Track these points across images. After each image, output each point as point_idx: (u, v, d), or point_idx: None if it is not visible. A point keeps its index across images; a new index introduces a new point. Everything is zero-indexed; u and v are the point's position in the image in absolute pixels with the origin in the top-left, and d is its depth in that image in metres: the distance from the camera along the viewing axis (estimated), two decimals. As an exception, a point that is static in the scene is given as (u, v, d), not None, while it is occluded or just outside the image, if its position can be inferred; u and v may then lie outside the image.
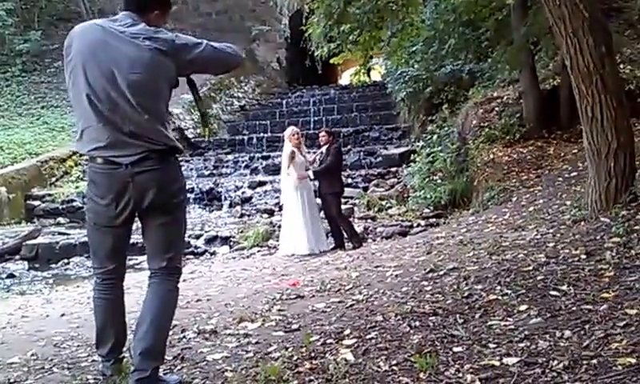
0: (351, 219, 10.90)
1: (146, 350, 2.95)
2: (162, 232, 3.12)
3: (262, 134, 18.51)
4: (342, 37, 12.84)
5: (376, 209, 12.27)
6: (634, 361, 2.67)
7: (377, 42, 13.08)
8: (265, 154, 16.68)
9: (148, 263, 3.19)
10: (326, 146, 9.45)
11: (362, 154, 15.95)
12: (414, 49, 13.75)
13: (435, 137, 13.26)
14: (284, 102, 22.02)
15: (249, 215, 13.34)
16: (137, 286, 6.88)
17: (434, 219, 10.69)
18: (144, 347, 2.95)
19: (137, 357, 2.96)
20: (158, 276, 3.14)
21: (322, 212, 9.66)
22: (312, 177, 9.39)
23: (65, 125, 18.54)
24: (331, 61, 14.49)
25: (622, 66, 9.39)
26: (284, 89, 25.00)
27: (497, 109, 12.38)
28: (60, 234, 12.94)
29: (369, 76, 25.45)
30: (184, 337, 4.12)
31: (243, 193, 14.51)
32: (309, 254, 8.64)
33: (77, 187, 15.51)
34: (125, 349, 3.37)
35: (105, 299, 3.25)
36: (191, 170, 16.42)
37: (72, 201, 14.98)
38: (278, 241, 9.86)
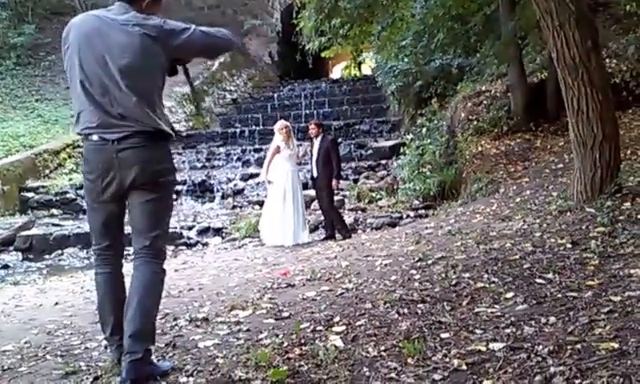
0: (341, 211, 10.97)
1: (135, 333, 3.02)
2: (146, 210, 3.18)
3: (253, 127, 18.56)
4: (332, 31, 12.90)
5: (366, 200, 12.36)
6: (616, 346, 2.74)
7: (367, 36, 13.16)
8: (257, 146, 16.73)
9: (132, 244, 3.24)
10: (319, 138, 9.50)
11: (352, 146, 16.03)
12: (404, 43, 13.80)
13: (425, 130, 13.35)
14: (276, 95, 22.05)
15: (241, 207, 13.44)
16: (129, 276, 6.95)
17: (423, 210, 10.78)
18: (133, 330, 3.02)
19: (127, 339, 3.01)
20: (142, 257, 3.21)
21: (318, 203, 9.84)
22: (314, 175, 9.57)
23: (59, 117, 18.51)
24: (322, 54, 14.55)
25: (607, 60, 9.49)
26: (276, 82, 25.02)
27: (485, 102, 12.46)
28: (54, 225, 13.01)
29: (360, 70, 25.60)
30: (176, 325, 4.17)
31: (235, 185, 14.60)
32: (281, 245, 8.83)
33: (70, 179, 15.52)
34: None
35: (101, 274, 3.35)
36: (184, 162, 16.51)
37: (66, 193, 15.01)
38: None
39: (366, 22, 11.99)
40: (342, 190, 10.39)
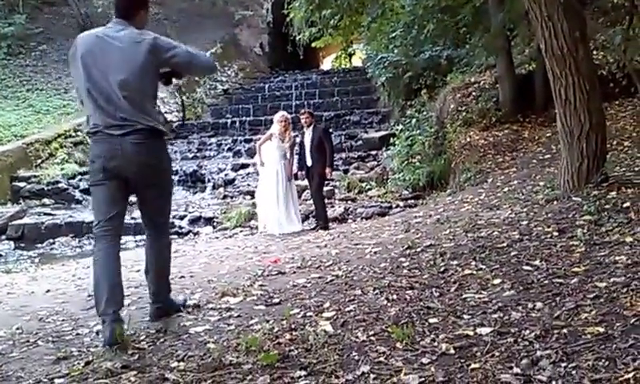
0: (332, 201, 11.03)
1: (155, 291, 4.06)
2: (151, 200, 3.94)
3: (244, 118, 18.55)
4: (323, 21, 12.94)
5: (356, 190, 12.43)
6: (602, 330, 2.79)
7: (357, 27, 13.19)
8: (247, 137, 16.76)
9: (143, 225, 4.04)
10: (311, 127, 9.54)
11: (342, 137, 16.07)
12: (394, 34, 13.83)
13: (414, 121, 13.40)
14: (266, 86, 22.01)
15: (232, 197, 13.48)
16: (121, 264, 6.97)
17: (413, 200, 10.85)
18: (153, 290, 4.07)
19: (151, 296, 4.09)
20: (154, 234, 4.02)
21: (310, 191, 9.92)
22: (308, 164, 9.52)
23: (50, 108, 18.46)
24: (312, 45, 14.57)
25: (595, 52, 9.54)
26: (266, 73, 24.96)
27: (474, 93, 12.52)
28: (45, 214, 13.05)
29: (350, 61, 25.60)
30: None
31: (226, 175, 14.65)
32: (280, 234, 8.88)
33: (62, 169, 15.52)
34: (122, 310, 3.73)
35: (99, 251, 3.74)
36: (175, 152, 16.55)
37: (57, 182, 15.03)
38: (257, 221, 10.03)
39: (356, 12, 12.02)
40: (332, 179, 10.42)
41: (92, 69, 3.67)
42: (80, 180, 15.27)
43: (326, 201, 11.12)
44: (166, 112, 18.70)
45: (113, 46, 3.68)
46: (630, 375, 2.32)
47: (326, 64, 32.13)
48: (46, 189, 14.92)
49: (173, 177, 14.18)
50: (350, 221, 10.09)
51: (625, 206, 5.08)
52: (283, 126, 9.37)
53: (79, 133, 16.71)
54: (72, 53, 3.79)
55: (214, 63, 4.27)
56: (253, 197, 11.67)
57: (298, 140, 9.98)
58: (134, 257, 8.04)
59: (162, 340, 3.54)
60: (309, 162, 9.56)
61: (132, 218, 12.16)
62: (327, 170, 9.46)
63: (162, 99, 18.49)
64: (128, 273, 6.22)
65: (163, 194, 4.00)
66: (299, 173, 9.80)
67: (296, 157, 9.74)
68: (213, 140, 17.24)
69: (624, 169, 6.59)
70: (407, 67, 14.98)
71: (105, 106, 3.66)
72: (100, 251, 3.71)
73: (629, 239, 4.21)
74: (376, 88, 18.79)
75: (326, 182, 10.09)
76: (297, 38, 15.61)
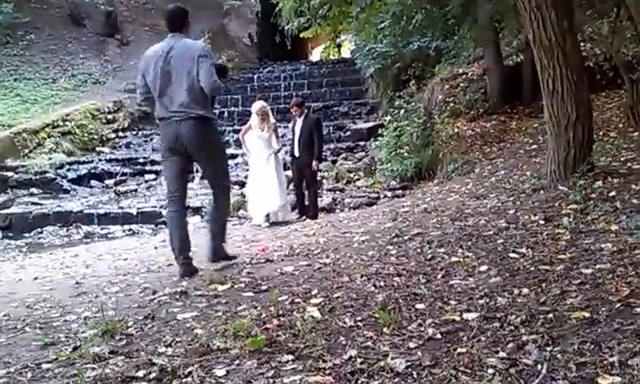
0: (319, 191, 11.03)
1: (216, 233, 5.32)
2: (208, 169, 5.34)
3: (233, 109, 18.47)
4: (311, 11, 12.90)
5: (344, 181, 12.45)
6: (587, 315, 2.82)
7: (345, 17, 13.16)
8: (236, 127, 16.64)
9: (210, 186, 5.44)
10: (302, 117, 9.47)
11: (331, 128, 16.06)
12: (382, 25, 13.82)
13: (402, 112, 13.41)
14: (255, 76, 21.92)
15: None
16: (109, 253, 6.97)
17: (401, 191, 10.87)
18: (214, 232, 5.34)
19: (211, 239, 5.31)
20: (215, 193, 5.29)
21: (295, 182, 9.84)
22: (296, 154, 9.44)
23: (38, 97, 18.33)
24: (301, 35, 14.53)
25: (582, 44, 9.58)
26: (255, 64, 24.87)
27: (462, 85, 12.55)
28: (33, 204, 12.98)
29: (339, 52, 25.56)
30: (155, 298, 4.21)
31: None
32: (274, 223, 8.82)
33: (50, 159, 15.39)
34: (190, 253, 5.03)
35: (172, 212, 5.10)
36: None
37: (45, 172, 14.86)
38: (247, 211, 9.96)
39: (344, 2, 11.99)
40: (320, 171, 10.39)
41: (158, 72, 4.88)
42: (68, 170, 15.20)
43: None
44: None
45: (175, 55, 4.89)
46: (615, 358, 2.35)
47: (315, 55, 32.07)
48: (33, 178, 14.76)
49: (161, 167, 14.39)
50: (338, 211, 10.10)
51: (610, 195, 5.13)
52: (260, 117, 9.16)
53: (67, 123, 16.62)
54: (143, 62, 5.04)
55: (214, 85, 4.95)
56: (241, 187, 11.64)
57: (283, 129, 9.96)
58: (121, 246, 8.08)
59: (149, 326, 3.53)
60: (296, 153, 9.48)
61: (120, 208, 12.23)
62: (314, 163, 9.36)
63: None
64: (115, 261, 6.26)
65: (215, 164, 5.24)
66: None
67: (287, 143, 9.72)
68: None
69: (610, 159, 6.64)
70: (396, 58, 15.01)
71: (166, 100, 4.92)
72: (172, 212, 5.09)
73: (614, 227, 4.25)
74: (364, 79, 18.77)
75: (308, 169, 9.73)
76: (285, 29, 15.57)
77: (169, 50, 4.88)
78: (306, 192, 9.69)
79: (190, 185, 14.32)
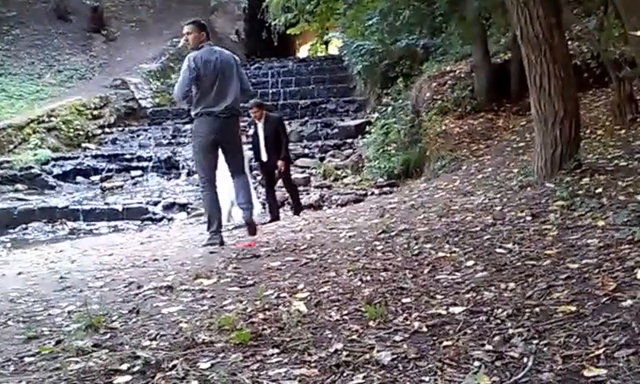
0: (307, 188, 11.01)
1: (245, 204, 6.19)
2: (234, 156, 6.18)
3: (220, 105, 18.44)
4: (299, 7, 12.87)
5: (332, 178, 12.45)
6: (574, 309, 2.82)
7: (333, 13, 13.14)
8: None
9: (230, 170, 6.28)
10: (262, 120, 8.92)
11: (318, 125, 16.09)
12: (370, 22, 13.82)
13: (390, 109, 13.42)
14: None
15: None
16: (94, 248, 6.92)
17: (388, 188, 10.87)
18: (244, 203, 6.20)
19: (244, 211, 6.25)
20: (237, 175, 6.23)
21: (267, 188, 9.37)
22: (264, 159, 8.94)
23: (23, 93, 18.24)
24: (288, 31, 14.50)
25: (570, 42, 9.62)
26: (242, 60, 24.78)
27: (449, 82, 12.54)
28: (18, 199, 12.94)
29: (326, 49, 25.52)
30: (140, 292, 4.17)
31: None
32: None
33: (35, 154, 15.31)
34: (222, 228, 6.20)
35: (210, 193, 6.02)
36: (149, 138, 16.58)
37: (30, 168, 14.84)
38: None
39: (332, -2, 11.99)
40: (289, 170, 10.05)
41: (207, 72, 5.84)
42: (53, 166, 15.12)
43: (302, 188, 11.14)
44: (139, 98, 18.60)
45: (218, 59, 5.98)
46: (601, 351, 2.35)
47: (303, 52, 32.01)
48: (18, 174, 14.73)
49: (147, 163, 14.50)
50: (325, 207, 10.09)
51: (597, 191, 5.13)
52: None
53: (52, 118, 16.51)
54: (194, 64, 5.83)
55: (251, 90, 6.52)
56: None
57: (250, 132, 9.37)
58: (106, 241, 8.03)
59: (134, 320, 3.51)
60: (264, 157, 8.97)
61: (105, 204, 12.16)
62: (280, 164, 8.88)
63: (135, 85, 18.40)
64: (101, 256, 6.21)
65: (238, 150, 6.29)
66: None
67: (249, 149, 8.96)
68: (187, 126, 17.06)
69: (597, 156, 6.65)
70: (383, 55, 15.01)
71: (213, 96, 5.90)
72: (209, 194, 6.01)
73: (601, 223, 4.25)
74: (352, 76, 18.78)
75: (277, 175, 9.30)
76: (272, 25, 15.55)
77: (217, 56, 5.95)
78: (288, 194, 9.51)
79: (176, 181, 14.49)
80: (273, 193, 9.33)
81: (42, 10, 22.22)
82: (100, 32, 22.05)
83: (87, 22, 22.21)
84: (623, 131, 7.66)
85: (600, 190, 5.15)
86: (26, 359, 2.95)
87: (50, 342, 3.17)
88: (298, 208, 9.32)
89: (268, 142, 8.92)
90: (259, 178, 10.32)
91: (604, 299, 2.88)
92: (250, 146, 9.19)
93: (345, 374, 2.43)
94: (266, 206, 9.50)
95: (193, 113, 6.05)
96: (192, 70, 5.79)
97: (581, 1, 10.77)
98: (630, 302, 2.77)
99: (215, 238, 5.91)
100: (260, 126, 8.96)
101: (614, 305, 2.80)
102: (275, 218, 8.93)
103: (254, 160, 9.27)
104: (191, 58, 5.85)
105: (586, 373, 2.20)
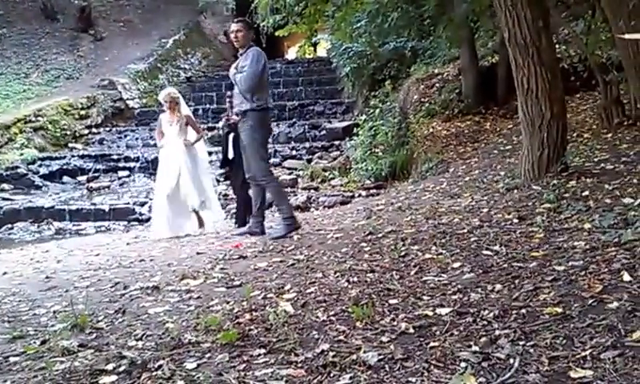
0: (295, 189, 10.96)
1: (259, 207, 6.44)
2: None
3: (207, 106, 18.38)
4: (287, 9, 12.85)
5: (319, 180, 12.43)
6: (560, 310, 2.84)
7: (321, 15, 13.12)
8: (210, 124, 16.58)
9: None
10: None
11: (306, 127, 16.06)
12: (359, 24, 13.84)
13: (378, 111, 13.42)
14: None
15: (193, 184, 13.34)
16: (80, 249, 6.89)
17: (375, 190, 10.85)
18: (260, 210, 6.47)
19: (258, 209, 6.46)
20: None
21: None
22: (230, 156, 7.63)
23: (9, 92, 18.08)
24: (277, 33, 14.46)
25: (557, 45, 9.67)
26: (231, 61, 24.68)
27: (437, 85, 12.60)
28: (4, 199, 12.84)
29: (315, 51, 25.53)
30: (126, 293, 4.16)
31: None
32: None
33: (22, 154, 15.17)
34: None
35: (277, 183, 6.51)
36: (137, 139, 16.48)
37: (17, 167, 14.71)
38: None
39: (320, 0, 11.96)
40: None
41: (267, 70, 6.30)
42: (40, 165, 15.02)
43: (289, 190, 11.09)
44: (127, 98, 18.54)
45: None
46: (587, 352, 2.36)
47: (291, 54, 32.01)
48: (4, 174, 14.58)
49: (134, 164, 14.48)
50: (312, 209, 10.08)
51: (584, 194, 5.17)
52: (168, 106, 7.68)
53: (39, 118, 16.40)
54: (265, 60, 6.22)
55: (247, 85, 6.15)
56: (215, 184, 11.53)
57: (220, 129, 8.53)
58: (93, 242, 7.99)
59: (120, 320, 3.50)
60: (230, 154, 7.69)
61: (92, 204, 12.09)
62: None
63: (122, 85, 18.35)
64: (87, 256, 6.18)
65: None
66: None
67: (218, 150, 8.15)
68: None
69: (583, 159, 6.69)
70: (372, 58, 15.03)
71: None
72: (277, 183, 6.51)
73: (587, 226, 4.27)
74: (340, 78, 18.78)
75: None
76: (261, 26, 15.50)
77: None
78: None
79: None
80: (243, 196, 7.86)
81: (30, 10, 22.06)
82: (88, 32, 21.91)
83: (75, 22, 22.07)
84: (610, 135, 7.71)
85: (587, 192, 5.18)
86: (11, 359, 2.94)
87: (35, 342, 3.16)
88: (242, 219, 7.93)
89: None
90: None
91: (590, 301, 2.89)
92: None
93: (331, 375, 2.42)
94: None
95: (252, 106, 6.08)
96: (263, 68, 6.13)
97: (568, 4, 10.81)
98: (616, 303, 2.79)
99: (296, 221, 6.13)
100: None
101: (600, 307, 2.81)
102: (245, 225, 7.61)
103: (220, 166, 8.37)
104: (261, 52, 6.23)
105: (572, 374, 2.22)
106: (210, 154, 13.99)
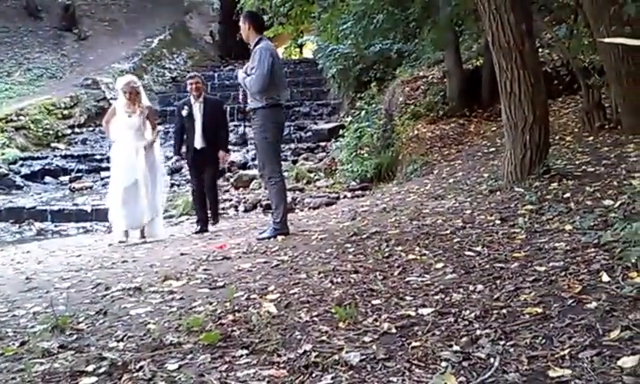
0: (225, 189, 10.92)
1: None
2: None
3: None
4: (273, 10, 12.87)
5: (304, 181, 12.43)
6: (540, 310, 2.86)
7: (308, 17, 13.17)
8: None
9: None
10: (200, 99, 7.98)
11: (292, 128, 16.05)
12: (345, 26, 13.87)
13: (363, 113, 13.48)
14: (216, 74, 21.77)
15: (178, 185, 13.30)
16: (62, 249, 6.84)
17: (360, 191, 10.88)
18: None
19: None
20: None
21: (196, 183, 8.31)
22: (198, 147, 7.88)
23: (-7, 91, 17.95)
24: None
25: (540, 49, 9.75)
26: (216, 62, 24.72)
27: (422, 87, 12.65)
28: (-16, 200, 12.69)
29: (301, 52, 25.55)
30: (108, 294, 4.13)
31: (173, 163, 14.43)
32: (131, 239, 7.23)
33: (3, 154, 15.07)
34: None
35: (283, 183, 6.22)
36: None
37: (-3, 168, 14.58)
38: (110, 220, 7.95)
39: (306, 1, 11.99)
40: (230, 166, 9.53)
41: (278, 65, 6.09)
42: (21, 165, 14.91)
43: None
44: (111, 98, 18.44)
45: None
46: (566, 352, 2.38)
47: (277, 55, 32.04)
48: (-16, 175, 14.50)
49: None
50: (297, 210, 10.08)
51: (565, 196, 5.19)
52: (128, 97, 7.28)
53: (21, 117, 16.28)
54: (274, 53, 6.15)
55: (259, 85, 5.96)
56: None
57: (184, 113, 8.07)
58: (74, 243, 7.94)
59: (101, 321, 3.47)
60: (198, 144, 7.84)
61: (74, 205, 12.02)
62: (221, 154, 8.00)
63: (106, 84, 18.25)
64: (68, 257, 6.14)
65: None
66: (178, 159, 8.47)
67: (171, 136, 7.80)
68: (160, 127, 16.92)
69: (565, 162, 6.74)
70: (357, 60, 15.09)
71: (281, 89, 6.29)
72: (283, 184, 6.21)
73: (568, 227, 4.30)
74: (326, 80, 18.81)
75: (221, 167, 8.65)
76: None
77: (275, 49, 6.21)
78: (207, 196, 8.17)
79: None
80: (202, 193, 8.12)
81: (12, 7, 21.94)
82: (71, 31, 21.81)
83: (58, 21, 21.97)
84: (591, 138, 7.77)
85: (568, 194, 5.21)
86: (-11, 360, 2.90)
87: (14, 344, 3.13)
88: (216, 216, 8.34)
89: (205, 127, 7.87)
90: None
91: (570, 301, 2.91)
92: (174, 130, 8.32)
93: (314, 375, 2.43)
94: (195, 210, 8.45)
95: (262, 104, 5.97)
96: (271, 61, 5.93)
97: (551, 9, 10.89)
98: (594, 304, 2.82)
99: (285, 227, 6.03)
100: (198, 106, 7.92)
101: (579, 307, 2.83)
102: (204, 227, 7.85)
103: (175, 152, 8.39)
104: (268, 48, 6.04)
105: (551, 373, 2.23)
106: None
